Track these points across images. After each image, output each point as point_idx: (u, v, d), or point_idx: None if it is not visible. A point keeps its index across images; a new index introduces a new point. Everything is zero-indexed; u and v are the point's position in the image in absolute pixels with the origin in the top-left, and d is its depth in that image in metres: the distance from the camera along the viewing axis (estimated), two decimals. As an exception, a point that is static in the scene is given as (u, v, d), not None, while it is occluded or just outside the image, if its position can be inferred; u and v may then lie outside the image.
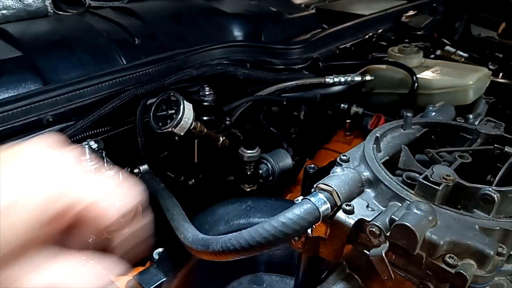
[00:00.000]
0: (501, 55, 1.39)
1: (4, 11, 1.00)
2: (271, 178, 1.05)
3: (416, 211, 0.46)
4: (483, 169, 0.58)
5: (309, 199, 0.50)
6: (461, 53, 1.39)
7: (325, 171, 0.59)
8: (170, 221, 0.72)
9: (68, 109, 0.86)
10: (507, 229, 0.46)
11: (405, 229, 0.44)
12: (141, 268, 0.78)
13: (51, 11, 1.06)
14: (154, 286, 0.71)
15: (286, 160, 1.07)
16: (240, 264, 0.78)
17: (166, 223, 0.74)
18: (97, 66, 0.95)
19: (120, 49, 1.00)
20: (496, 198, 0.47)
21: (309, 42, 1.17)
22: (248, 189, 1.04)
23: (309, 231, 0.53)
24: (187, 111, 0.83)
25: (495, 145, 0.58)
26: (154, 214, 0.59)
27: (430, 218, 0.46)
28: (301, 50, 1.14)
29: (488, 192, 0.48)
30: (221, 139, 0.97)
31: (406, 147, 0.61)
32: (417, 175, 0.54)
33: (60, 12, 1.08)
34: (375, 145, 0.59)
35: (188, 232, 0.63)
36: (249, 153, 0.99)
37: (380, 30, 1.38)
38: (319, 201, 0.49)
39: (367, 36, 1.32)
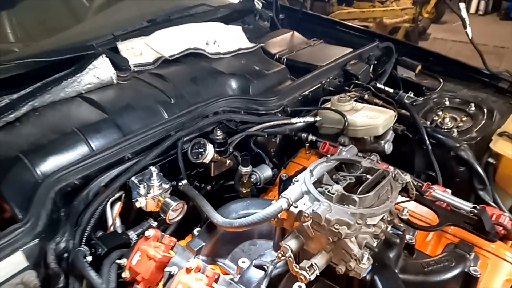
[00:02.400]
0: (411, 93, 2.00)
1: (88, 85, 1.56)
2: (258, 183, 1.65)
3: (322, 205, 1.06)
4: (357, 185, 1.18)
5: (277, 201, 1.10)
6: (387, 89, 2.00)
7: (292, 178, 1.17)
8: (205, 212, 1.31)
9: (138, 149, 1.43)
10: (361, 213, 1.07)
11: (316, 213, 1.04)
12: (187, 239, 1.38)
13: (115, 81, 1.63)
14: (198, 248, 1.30)
15: (267, 171, 1.67)
16: (243, 234, 1.38)
17: (198, 213, 1.33)
18: (150, 120, 1.52)
19: (162, 107, 1.58)
20: (357, 199, 1.07)
21: (281, 93, 1.76)
22: (245, 191, 1.63)
23: (278, 215, 1.13)
24: (210, 150, 1.42)
25: (364, 174, 1.19)
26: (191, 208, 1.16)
27: (329, 208, 1.06)
28: (275, 100, 1.73)
29: (353, 197, 1.08)
30: (228, 161, 1.56)
31: (326, 173, 1.21)
32: (328, 187, 1.14)
33: (120, 82, 1.65)
34: (309, 173, 1.19)
35: (218, 218, 1.23)
36: (244, 170, 1.58)
37: (330, 78, 1.98)
38: (282, 202, 1.09)
39: (319, 84, 1.91)
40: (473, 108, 1.86)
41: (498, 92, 1.99)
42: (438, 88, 2.02)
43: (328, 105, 1.75)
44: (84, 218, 1.26)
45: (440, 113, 1.86)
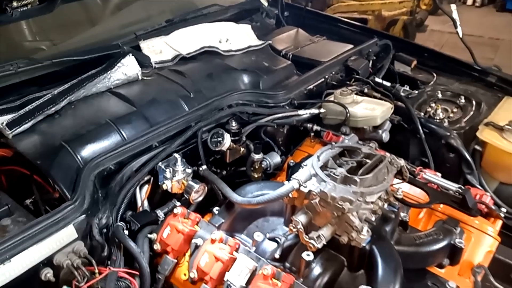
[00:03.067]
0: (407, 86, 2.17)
1: (117, 81, 1.73)
2: (268, 169, 1.82)
3: (328, 185, 1.23)
4: (358, 168, 1.36)
5: (289, 182, 1.27)
6: (385, 82, 2.17)
7: (299, 164, 1.35)
8: (224, 193, 1.49)
9: (163, 138, 1.60)
10: (361, 192, 1.24)
11: (323, 192, 1.22)
12: (206, 218, 1.55)
13: (140, 77, 1.80)
14: (218, 224, 1.48)
15: (277, 158, 1.84)
16: (257, 212, 1.56)
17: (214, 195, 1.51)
18: (173, 112, 1.69)
19: (183, 101, 1.75)
20: (358, 180, 1.25)
21: (288, 87, 1.93)
22: (256, 176, 1.80)
23: (290, 195, 1.31)
24: (227, 139, 1.60)
25: (364, 158, 1.36)
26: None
27: (334, 188, 1.23)
28: (283, 93, 1.89)
29: (355, 178, 1.25)
30: (241, 149, 1.73)
31: (331, 158, 1.38)
32: (333, 170, 1.32)
33: (145, 78, 1.82)
34: (317, 158, 1.36)
35: (237, 197, 1.41)
36: (257, 157, 1.75)
37: (332, 73, 2.14)
38: (294, 183, 1.27)
39: (323, 79, 2.08)
40: (463, 101, 2.03)
41: (486, 85, 2.15)
42: (432, 82, 2.19)
43: (331, 98, 1.92)
44: (119, 199, 1.43)
45: (433, 105, 2.03)
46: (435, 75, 2.24)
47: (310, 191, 1.26)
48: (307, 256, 1.30)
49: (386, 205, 1.36)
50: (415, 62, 2.32)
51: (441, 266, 1.46)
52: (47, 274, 1.16)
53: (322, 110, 1.87)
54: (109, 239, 1.31)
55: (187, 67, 1.93)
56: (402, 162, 1.38)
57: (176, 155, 1.56)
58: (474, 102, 2.02)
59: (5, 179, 1.55)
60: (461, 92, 2.08)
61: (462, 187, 1.46)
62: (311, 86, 2.01)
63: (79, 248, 1.22)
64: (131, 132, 1.58)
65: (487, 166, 1.83)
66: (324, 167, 1.34)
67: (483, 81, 2.17)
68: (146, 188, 1.56)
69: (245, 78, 1.96)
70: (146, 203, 1.58)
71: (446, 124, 1.93)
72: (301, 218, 1.28)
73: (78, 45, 1.97)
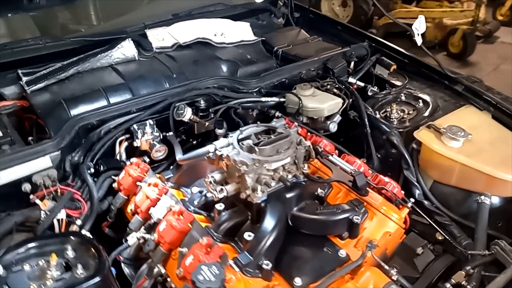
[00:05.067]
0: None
1: (117, 59, 2.19)
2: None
3: (234, 151, 1.56)
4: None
5: (207, 146, 1.62)
6: (359, 82, 2.40)
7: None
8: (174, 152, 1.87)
9: (142, 106, 2.01)
10: (258, 159, 1.55)
11: (227, 156, 1.55)
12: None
13: (137, 58, 2.24)
14: (167, 177, 1.87)
15: (240, 136, 2.18)
16: (199, 172, 1.92)
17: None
18: (155, 88, 2.11)
19: (166, 80, 2.15)
20: (257, 150, 1.56)
21: (261, 78, 2.25)
22: (219, 147, 2.16)
23: (210, 156, 1.65)
24: (188, 112, 1.97)
25: (277, 136, 1.66)
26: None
27: (237, 154, 1.56)
28: (255, 82, 2.21)
29: (255, 148, 1.56)
30: (206, 124, 2.10)
31: (253, 134, 1.69)
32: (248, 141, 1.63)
33: (141, 58, 2.26)
34: (240, 131, 1.68)
35: (177, 155, 1.78)
36: (219, 131, 2.10)
37: (310, 69, 2.41)
38: (210, 147, 1.62)
39: (298, 73, 2.37)
40: (421, 104, 2.20)
41: (454, 94, 2.29)
42: (400, 85, 2.37)
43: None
44: (95, 147, 1.88)
45: (394, 105, 2.22)
46: (407, 79, 2.41)
47: (221, 155, 1.60)
48: (219, 206, 1.65)
49: (290, 176, 1.64)
50: (394, 67, 2.50)
51: (341, 237, 1.69)
52: (26, 187, 1.63)
53: (282, 99, 2.17)
54: (76, 172, 1.76)
55: (179, 53, 2.34)
56: (308, 143, 1.65)
57: (150, 121, 1.98)
58: (430, 106, 2.18)
59: (27, 123, 2.08)
60: (423, 96, 2.25)
61: (356, 170, 1.69)
62: (283, 79, 2.31)
63: (52, 174, 1.67)
64: (116, 99, 2.02)
65: (423, 164, 2.00)
66: (244, 139, 1.67)
67: (451, 89, 2.30)
68: (123, 144, 2.00)
69: (225, 67, 2.32)
70: (124, 157, 2.01)
71: (395, 123, 2.12)
72: (214, 174, 1.62)
73: (104, 29, 2.47)
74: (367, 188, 1.73)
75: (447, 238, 1.76)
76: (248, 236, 1.52)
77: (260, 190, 1.55)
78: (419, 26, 2.09)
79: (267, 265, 1.44)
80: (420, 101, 2.21)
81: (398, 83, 2.43)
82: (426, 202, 1.94)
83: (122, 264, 1.74)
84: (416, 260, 1.73)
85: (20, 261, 1.32)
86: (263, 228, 1.52)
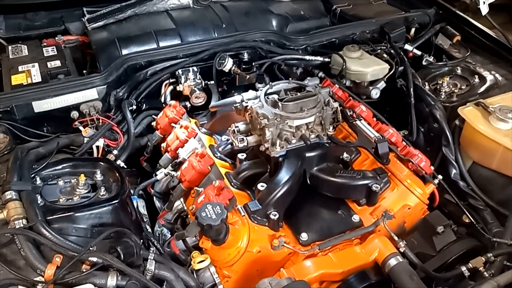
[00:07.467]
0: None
1: (172, 5, 2.27)
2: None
3: (258, 104, 1.59)
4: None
5: (234, 97, 1.67)
6: (415, 50, 2.27)
7: None
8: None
9: (188, 53, 2.09)
10: (280, 114, 1.57)
11: (251, 108, 1.59)
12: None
13: (191, 5, 2.30)
14: (201, 122, 1.96)
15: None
16: (230, 122, 1.98)
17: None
18: (203, 36, 2.17)
19: (215, 29, 2.20)
20: (280, 104, 1.57)
21: (310, 35, 2.22)
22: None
23: (238, 106, 1.70)
24: (229, 62, 2.01)
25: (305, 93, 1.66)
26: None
27: (261, 107, 1.59)
28: (302, 39, 2.19)
29: (279, 103, 1.58)
30: (248, 76, 2.12)
31: (283, 89, 1.70)
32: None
33: (195, 6, 2.32)
34: (269, 86, 1.70)
35: (212, 103, 1.86)
36: (260, 85, 2.13)
37: (365, 31, 2.31)
38: (237, 98, 1.66)
39: (351, 34, 2.29)
40: (476, 80, 2.04)
41: (520, 71, 2.08)
42: (460, 58, 2.20)
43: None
44: (142, 86, 2.00)
45: (446, 78, 2.08)
46: (469, 51, 2.23)
47: (247, 106, 1.64)
48: (241, 156, 1.71)
49: (312, 136, 1.64)
50: (458, 37, 2.31)
51: (358, 203, 1.69)
52: (74, 114, 1.81)
53: (326, 59, 2.13)
54: (118, 106, 1.91)
55: (234, 4, 2.35)
56: (336, 105, 1.63)
57: (194, 67, 2.06)
58: (487, 83, 2.01)
59: (87, 58, 2.26)
60: (481, 72, 2.07)
61: (380, 138, 1.64)
62: (333, 39, 2.25)
63: (97, 105, 1.84)
64: (165, 43, 2.11)
65: (464, 143, 1.88)
66: (273, 94, 1.69)
67: (518, 67, 2.10)
68: (168, 87, 2.10)
69: (275, 21, 2.30)
70: (168, 98, 2.12)
71: (442, 97, 2.00)
72: (239, 124, 1.67)
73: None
74: (394, 158, 1.69)
75: (473, 222, 1.69)
76: (261, 186, 1.57)
77: (279, 145, 1.58)
78: None
79: (274, 215, 1.49)
80: (477, 76, 2.04)
81: (458, 55, 2.26)
82: (461, 183, 1.85)
83: (154, 198, 1.90)
84: (436, 239, 1.67)
85: (56, 176, 1.50)
86: (276, 180, 1.56)
